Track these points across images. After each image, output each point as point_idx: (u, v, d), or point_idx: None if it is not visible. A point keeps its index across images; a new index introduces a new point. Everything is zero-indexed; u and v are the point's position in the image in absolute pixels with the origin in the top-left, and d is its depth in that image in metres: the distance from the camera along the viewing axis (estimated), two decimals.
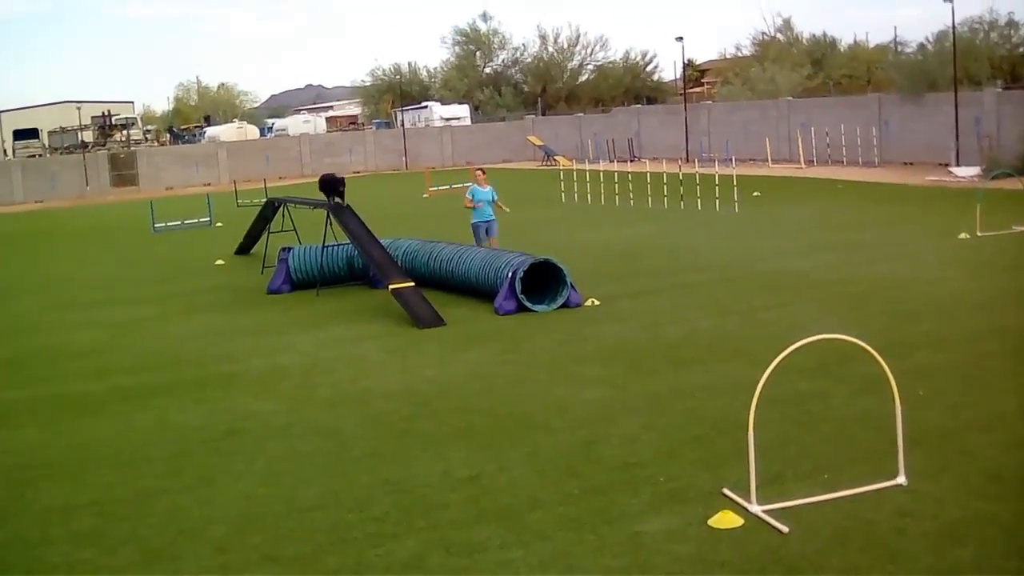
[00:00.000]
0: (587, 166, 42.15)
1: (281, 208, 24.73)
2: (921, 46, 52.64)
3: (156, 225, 36.49)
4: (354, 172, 66.34)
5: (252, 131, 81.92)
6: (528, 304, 16.74)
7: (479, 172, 22.24)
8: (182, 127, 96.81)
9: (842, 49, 75.40)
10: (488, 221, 21.06)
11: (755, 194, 34.56)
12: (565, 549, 7.78)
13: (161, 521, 8.98)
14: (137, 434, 11.68)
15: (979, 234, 22.59)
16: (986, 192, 26.43)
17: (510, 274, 16.76)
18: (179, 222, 37.09)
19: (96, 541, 8.66)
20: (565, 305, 16.92)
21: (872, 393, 9.86)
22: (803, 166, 47.04)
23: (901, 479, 8.56)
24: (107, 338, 17.60)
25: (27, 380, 14.90)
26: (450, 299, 18.21)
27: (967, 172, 38.07)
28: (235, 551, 8.21)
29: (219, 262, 26.52)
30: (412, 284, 17.48)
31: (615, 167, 43.11)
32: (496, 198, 21.33)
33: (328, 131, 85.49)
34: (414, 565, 7.71)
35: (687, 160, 52.01)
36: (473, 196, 21.17)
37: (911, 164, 43.39)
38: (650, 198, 33.85)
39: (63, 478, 10.38)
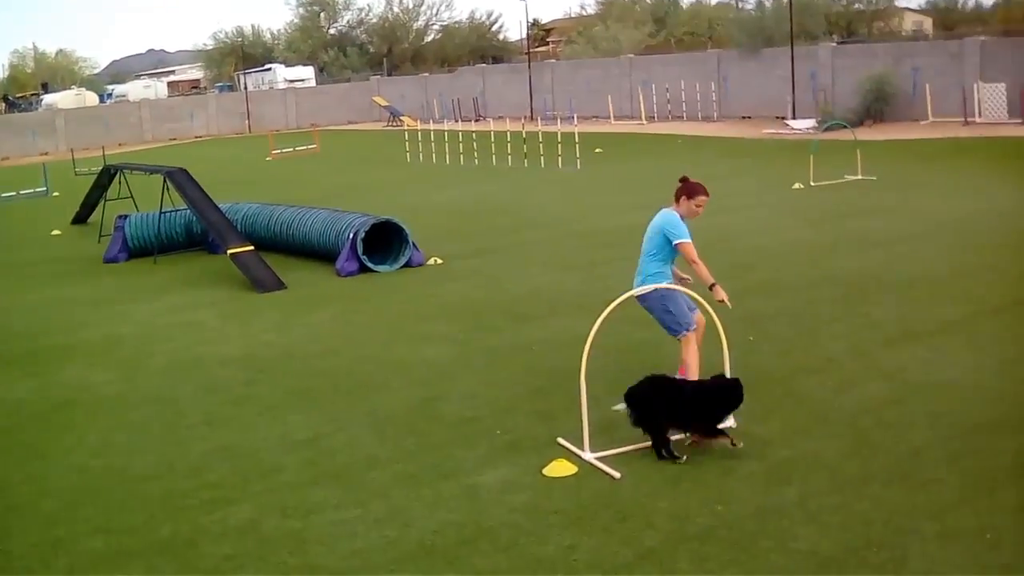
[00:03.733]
0: (432, 126, 42.13)
1: (118, 175, 24.09)
2: (759, 3, 53.78)
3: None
4: (196, 137, 65.09)
5: (91, 98, 79.46)
6: (370, 265, 16.66)
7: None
8: (17, 95, 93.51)
9: (684, 7, 76.52)
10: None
11: (597, 151, 34.93)
12: (402, 506, 7.79)
13: None
14: None
15: (813, 184, 23.23)
16: (820, 144, 27.15)
17: (351, 235, 16.64)
18: (14, 193, 35.88)
19: None
20: (407, 265, 16.90)
21: (705, 339, 10.05)
22: (644, 122, 47.65)
23: (730, 422, 8.77)
24: None
25: None
26: (291, 262, 18.01)
27: (803, 125, 39.03)
28: (67, 524, 8.01)
29: (55, 232, 25.75)
30: (251, 248, 17.22)
31: (460, 127, 43.08)
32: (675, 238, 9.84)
33: (170, 96, 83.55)
34: (249, 529, 7.63)
35: (531, 118, 52.24)
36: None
37: (749, 118, 44.30)
38: (494, 157, 33.96)
39: None
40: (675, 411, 8.30)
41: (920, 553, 6.47)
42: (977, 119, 35.50)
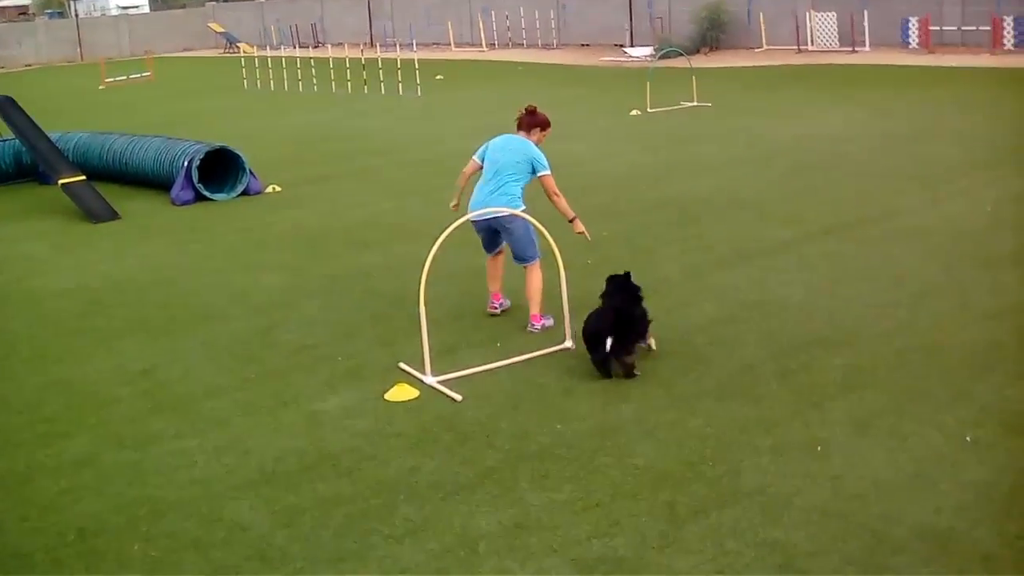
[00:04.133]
0: (270, 52, 41.26)
1: None
2: None
3: None
4: (25, 65, 62.60)
5: None
6: (206, 193, 16.35)
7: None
8: None
9: None
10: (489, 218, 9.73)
11: (438, 78, 34.77)
12: (241, 433, 7.74)
13: None
14: None
15: (650, 111, 23.54)
16: (658, 71, 27.48)
17: (186, 163, 16.29)
18: None
19: None
20: (245, 193, 16.64)
21: (544, 263, 10.16)
22: (485, 49, 47.51)
23: (568, 343, 8.92)
24: None
25: None
26: (126, 192, 17.55)
27: (640, 52, 39.40)
28: None
29: None
30: (83, 178, 16.71)
31: (299, 53, 42.31)
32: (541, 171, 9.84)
33: None
34: (86, 461, 7.50)
35: (371, 45, 51.63)
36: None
37: (588, 46, 44.51)
38: (334, 84, 33.53)
39: None
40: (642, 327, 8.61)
41: (754, 466, 6.70)
42: (809, 47, 36.34)
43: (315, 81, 34.95)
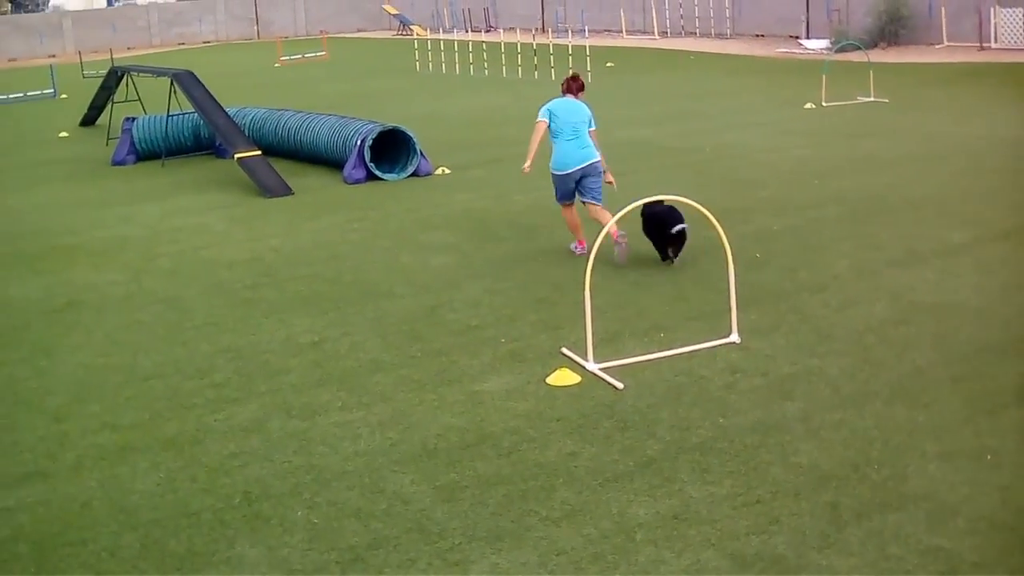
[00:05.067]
0: (442, 35, 41.72)
1: (124, 77, 23.94)
2: None
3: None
4: (204, 42, 64.57)
5: (99, 0, 78.77)
6: (377, 172, 16.61)
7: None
8: None
9: None
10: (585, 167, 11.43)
11: (608, 65, 34.66)
12: (405, 409, 7.86)
13: None
14: None
15: (824, 104, 23.06)
16: (834, 64, 26.92)
17: (359, 142, 16.58)
18: (21, 94, 35.70)
19: None
20: (415, 174, 16.85)
21: (711, 255, 10.08)
22: (657, 37, 47.19)
23: (734, 337, 8.82)
24: None
25: None
26: (299, 168, 17.98)
27: (816, 44, 38.65)
28: (73, 420, 8.11)
29: (63, 134, 25.67)
30: (259, 153, 17.17)
31: (470, 37, 42.71)
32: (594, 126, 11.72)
33: (178, 0, 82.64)
34: (254, 428, 7.71)
35: (543, 30, 51.76)
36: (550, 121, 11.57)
37: (763, 36, 43.84)
38: (504, 68, 33.71)
39: None
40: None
41: (920, 471, 6.53)
42: (992, 44, 35.11)
43: (486, 65, 35.21)
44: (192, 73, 19.30)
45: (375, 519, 6.30)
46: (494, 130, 22.01)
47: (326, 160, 17.84)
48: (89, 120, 26.80)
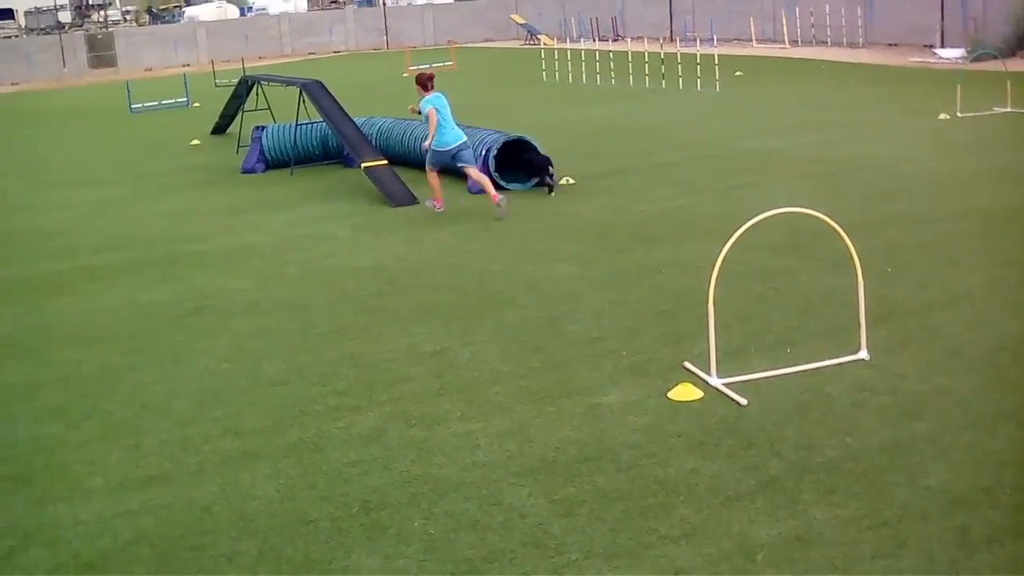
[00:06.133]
0: (569, 45, 41.71)
1: (255, 87, 24.39)
2: None
3: (133, 106, 36.06)
4: (334, 52, 65.58)
5: (232, 10, 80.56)
6: (502, 182, 16.62)
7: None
8: (161, 7, 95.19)
9: None
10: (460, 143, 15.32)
11: (737, 74, 34.28)
12: (524, 421, 7.81)
13: (124, 397, 8.98)
14: (104, 312, 11.65)
15: (959, 115, 22.45)
16: (969, 73, 26.23)
17: (483, 152, 16.62)
18: (156, 103, 36.66)
19: (60, 416, 8.67)
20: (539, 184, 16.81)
21: (840, 270, 9.83)
22: (787, 46, 46.55)
23: (863, 354, 8.59)
24: (78, 218, 17.50)
25: None
26: (424, 177, 18.02)
27: (951, 54, 37.70)
28: (197, 424, 8.23)
29: (195, 142, 26.26)
30: (385, 162, 17.33)
31: (598, 46, 42.58)
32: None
33: (309, 10, 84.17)
34: (374, 437, 7.74)
35: (671, 39, 51.45)
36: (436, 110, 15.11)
37: (895, 45, 42.94)
38: (631, 78, 33.57)
39: (29, 356, 10.37)
40: None
41: None
42: None
43: (613, 75, 35.08)
44: (321, 83, 19.56)
45: (491, 532, 6.26)
46: (620, 140, 21.90)
47: (451, 170, 17.87)
48: (220, 128, 27.38)
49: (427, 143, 15.06)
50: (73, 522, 6.82)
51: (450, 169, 16.29)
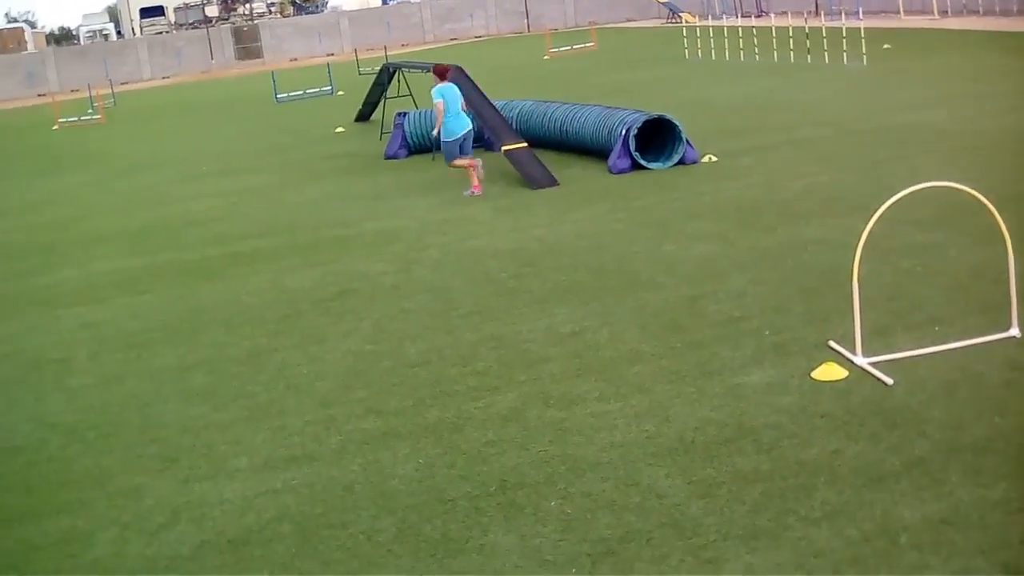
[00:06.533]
0: (712, 22, 41.19)
1: (396, 73, 24.66)
2: None
3: (279, 96, 36.83)
4: (475, 36, 65.93)
5: None
6: (643, 162, 16.50)
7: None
8: None
9: None
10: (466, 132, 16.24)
11: (885, 47, 33.40)
12: (664, 401, 7.73)
13: (270, 378, 9.18)
14: (251, 297, 11.93)
15: None
16: None
17: (624, 132, 16.51)
18: (301, 92, 37.37)
19: (207, 398, 8.91)
20: (681, 162, 16.64)
21: (991, 245, 9.48)
22: (937, 17, 45.17)
23: (1014, 331, 8.28)
24: (226, 206, 17.95)
25: (150, 248, 15.33)
26: (564, 159, 18.08)
27: None
28: (340, 405, 8.37)
29: (339, 130, 26.70)
30: (525, 145, 17.34)
31: (740, 23, 41.93)
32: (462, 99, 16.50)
33: None
34: (513, 417, 7.76)
35: (815, 13, 50.40)
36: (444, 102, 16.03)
37: None
38: (776, 53, 33.01)
39: (179, 339, 10.68)
40: None
41: None
42: None
43: (756, 51, 34.54)
44: (461, 68, 19.64)
45: (628, 512, 6.21)
46: (763, 117, 21.53)
47: (592, 150, 17.86)
48: (363, 116, 27.78)
49: (436, 131, 16.09)
50: (218, 500, 7.00)
51: (584, 151, 16.24)
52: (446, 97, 15.88)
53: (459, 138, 15.98)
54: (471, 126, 16.17)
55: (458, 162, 16.28)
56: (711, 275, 10.74)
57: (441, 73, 16.36)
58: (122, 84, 60.23)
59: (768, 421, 7.24)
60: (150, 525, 6.79)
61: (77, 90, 59.41)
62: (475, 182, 16.14)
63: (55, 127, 40.02)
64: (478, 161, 16.33)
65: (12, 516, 7.19)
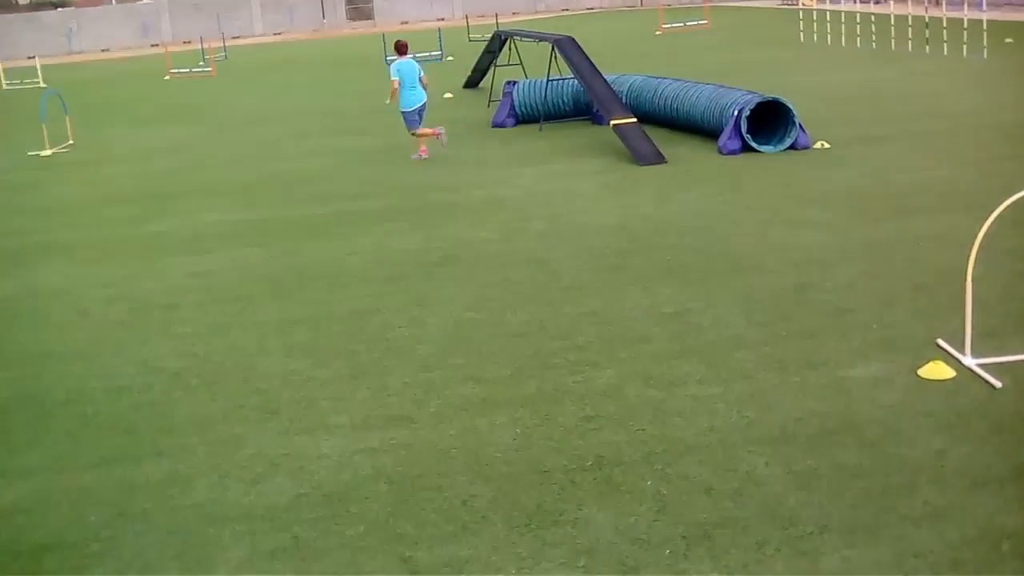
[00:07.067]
0: (829, 6, 40.48)
1: (508, 42, 24.61)
2: None
3: (388, 58, 36.96)
4: (587, 8, 65.61)
5: None
6: (753, 144, 16.30)
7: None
8: None
9: None
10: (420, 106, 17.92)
11: (1007, 41, 32.55)
12: (765, 388, 7.65)
13: (371, 338, 9.26)
14: (355, 257, 12.03)
15: None
16: None
17: (736, 112, 16.32)
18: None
19: (309, 353, 9.02)
20: (792, 147, 16.40)
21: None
22: None
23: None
24: (333, 166, 18.12)
25: (257, 203, 15.54)
26: (673, 137, 17.94)
27: None
28: (440, 369, 8.41)
29: (447, 95, 26.72)
30: (634, 120, 17.23)
31: (859, 7, 41.10)
32: (423, 75, 17.99)
33: None
34: (611, 393, 7.73)
35: (936, 2, 49.29)
36: (399, 76, 17.60)
37: None
38: (893, 41, 32.35)
39: (282, 294, 10.82)
40: None
41: None
42: None
43: (874, 38, 33.88)
44: (573, 39, 19.58)
45: (725, 497, 6.16)
46: (878, 106, 21.11)
47: (701, 130, 17.69)
48: (472, 83, 27.79)
49: (388, 100, 17.95)
50: (317, 454, 7.08)
51: (693, 130, 16.09)
52: (403, 72, 17.48)
53: (416, 109, 17.65)
54: (426, 99, 17.87)
55: (422, 131, 17.80)
56: (819, 264, 10.59)
57: (400, 49, 17.92)
58: (233, 38, 60.98)
59: (872, 416, 7.12)
60: (248, 474, 6.90)
61: (189, 42, 60.39)
62: (423, 147, 17.91)
63: (166, 77, 40.67)
64: (441, 129, 17.89)
65: (114, 456, 7.36)
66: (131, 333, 10.01)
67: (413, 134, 17.89)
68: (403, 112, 17.70)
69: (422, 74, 17.85)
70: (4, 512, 6.68)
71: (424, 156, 17.91)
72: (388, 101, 18.07)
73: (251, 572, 5.79)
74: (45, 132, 22.68)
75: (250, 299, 10.73)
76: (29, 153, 22.36)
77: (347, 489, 6.59)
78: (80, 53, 63.67)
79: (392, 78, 17.47)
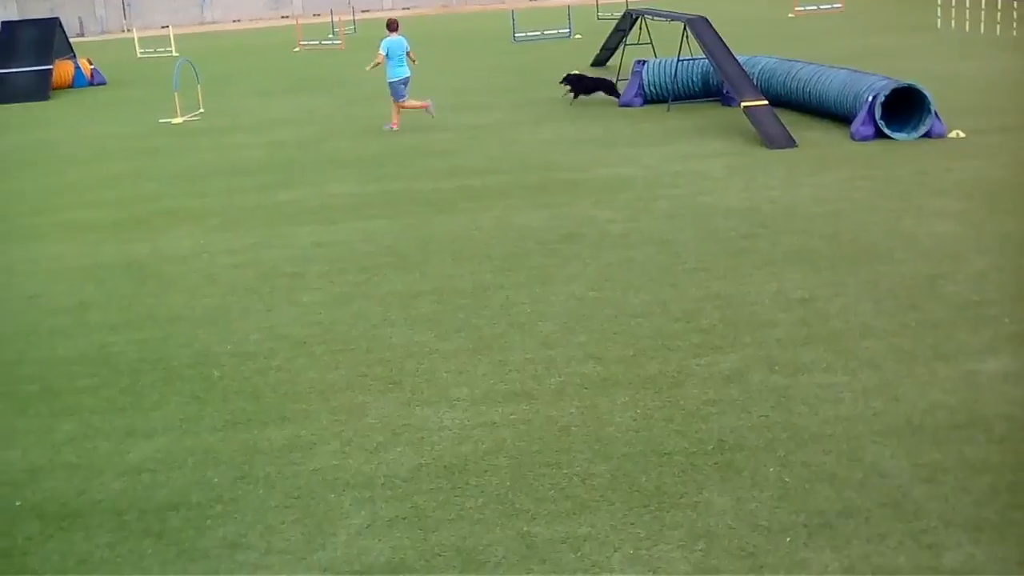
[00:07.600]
0: None
1: (639, 20, 24.44)
2: None
3: (516, 35, 37.01)
4: None
5: None
6: (887, 131, 15.96)
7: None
8: None
9: None
10: (404, 78, 19.78)
11: None
12: (893, 380, 7.51)
13: (494, 313, 9.31)
14: (480, 232, 12.08)
15: None
16: None
17: (870, 98, 15.99)
18: (539, 32, 37.44)
19: (433, 326, 9.10)
20: (927, 135, 16.01)
21: None
22: None
23: None
24: (459, 140, 18.19)
25: (384, 175, 15.68)
26: (805, 120, 17.65)
27: None
28: (561, 347, 8.42)
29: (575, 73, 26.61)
30: (766, 103, 17.00)
31: None
32: (409, 49, 19.91)
33: None
34: (735, 378, 7.67)
35: None
36: (387, 51, 19.56)
37: None
38: None
39: (408, 267, 10.92)
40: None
41: None
42: None
43: (1015, 25, 32.90)
44: (706, 19, 19.35)
45: (849, 488, 6.07)
46: (1018, 95, 20.50)
47: (834, 114, 17.38)
48: (600, 61, 27.65)
49: (369, 67, 20.42)
50: (438, 426, 7.15)
51: (826, 115, 15.77)
52: (391, 48, 19.41)
53: (401, 80, 19.57)
54: (409, 74, 19.74)
55: (409, 103, 19.84)
56: (951, 255, 10.34)
57: (391, 26, 19.70)
58: (363, 12, 61.50)
59: (1002, 412, 6.96)
60: (370, 443, 7.00)
61: (319, 14, 61.03)
62: (396, 118, 19.88)
63: (296, 49, 41.20)
64: (430, 102, 19.87)
65: (238, 419, 7.52)
66: (257, 300, 10.21)
67: (399, 105, 19.72)
68: (389, 83, 19.56)
69: (409, 50, 19.73)
70: (131, 470, 6.88)
71: (395, 128, 19.76)
72: (368, 69, 20.79)
73: (371, 539, 5.88)
74: (177, 100, 23.19)
75: (375, 270, 10.86)
76: (160, 120, 22.89)
77: (467, 462, 6.65)
78: (212, 23, 64.81)
79: (380, 52, 19.41)
